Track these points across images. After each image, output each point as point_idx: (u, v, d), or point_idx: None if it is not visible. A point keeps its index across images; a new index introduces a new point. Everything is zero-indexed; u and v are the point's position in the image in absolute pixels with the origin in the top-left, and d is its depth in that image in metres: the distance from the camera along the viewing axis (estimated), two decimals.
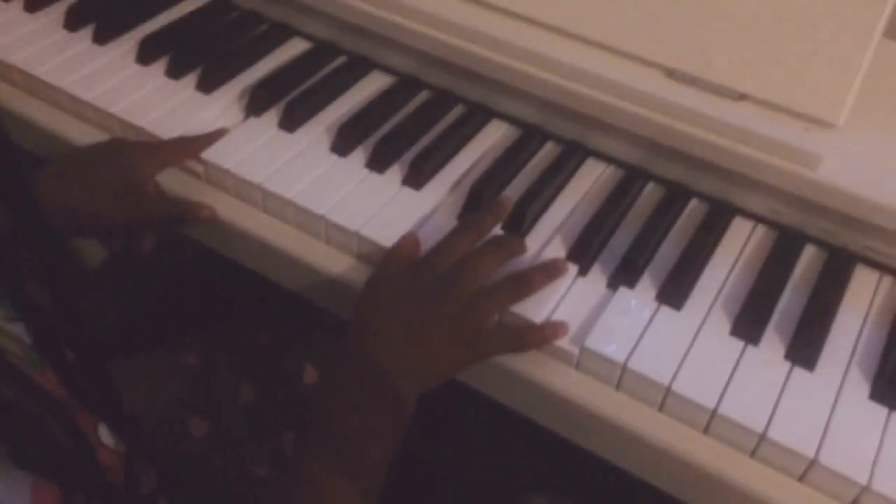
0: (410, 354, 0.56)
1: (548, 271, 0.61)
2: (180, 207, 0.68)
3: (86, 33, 0.82)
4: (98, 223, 0.68)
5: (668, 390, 0.56)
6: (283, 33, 0.84)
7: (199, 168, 0.71)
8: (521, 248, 0.63)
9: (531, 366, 0.59)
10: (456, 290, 0.57)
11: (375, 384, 0.55)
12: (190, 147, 0.70)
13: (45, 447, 0.40)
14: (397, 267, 0.61)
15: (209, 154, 0.70)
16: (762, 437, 0.54)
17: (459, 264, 0.59)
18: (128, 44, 0.82)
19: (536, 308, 0.60)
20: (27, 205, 0.45)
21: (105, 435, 0.52)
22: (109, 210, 0.67)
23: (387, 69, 0.80)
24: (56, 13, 0.84)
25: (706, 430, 0.57)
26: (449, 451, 0.77)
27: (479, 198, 0.68)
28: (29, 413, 0.39)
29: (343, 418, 0.54)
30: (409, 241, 0.63)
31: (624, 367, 0.57)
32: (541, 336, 0.59)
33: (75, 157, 0.71)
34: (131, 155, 0.69)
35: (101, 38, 0.82)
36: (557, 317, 0.60)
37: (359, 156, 0.72)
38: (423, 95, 0.78)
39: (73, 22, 0.83)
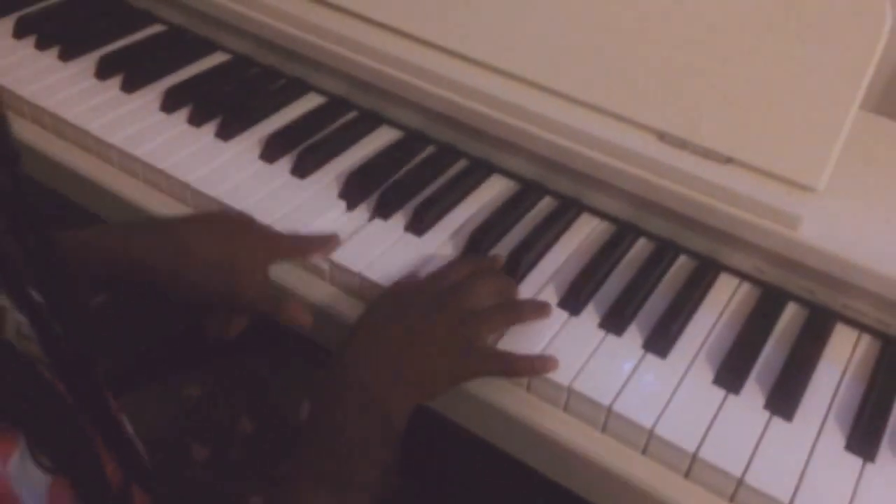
0: (399, 367, 0.57)
1: (537, 309, 0.64)
2: (279, 306, 0.66)
3: (114, 82, 0.88)
4: (192, 294, 0.65)
5: (651, 433, 0.59)
6: (299, 88, 0.89)
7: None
8: (514, 291, 0.66)
9: (519, 405, 0.62)
10: (448, 309, 0.60)
11: (364, 397, 0.56)
12: (308, 248, 0.69)
13: (63, 445, 0.42)
14: (394, 290, 0.64)
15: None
16: (740, 481, 0.56)
17: (453, 286, 0.62)
18: (153, 93, 0.87)
19: (526, 348, 0.63)
20: (39, 241, 0.45)
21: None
22: (209, 285, 0.64)
23: (395, 124, 0.85)
24: (88, 63, 0.90)
25: (687, 474, 0.58)
26: (437, 489, 0.78)
27: (477, 245, 0.71)
28: (49, 411, 0.42)
29: (332, 433, 0.56)
30: (412, 275, 0.66)
31: (609, 410, 0.60)
32: (530, 365, 0.61)
33: (200, 220, 0.70)
34: (253, 240, 0.67)
35: (129, 86, 0.87)
36: None
37: (365, 203, 0.76)
38: (428, 150, 0.82)
39: (103, 72, 0.88)
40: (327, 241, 0.70)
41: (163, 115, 0.84)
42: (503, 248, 0.71)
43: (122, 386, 0.73)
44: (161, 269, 0.64)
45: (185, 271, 0.64)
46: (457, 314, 0.60)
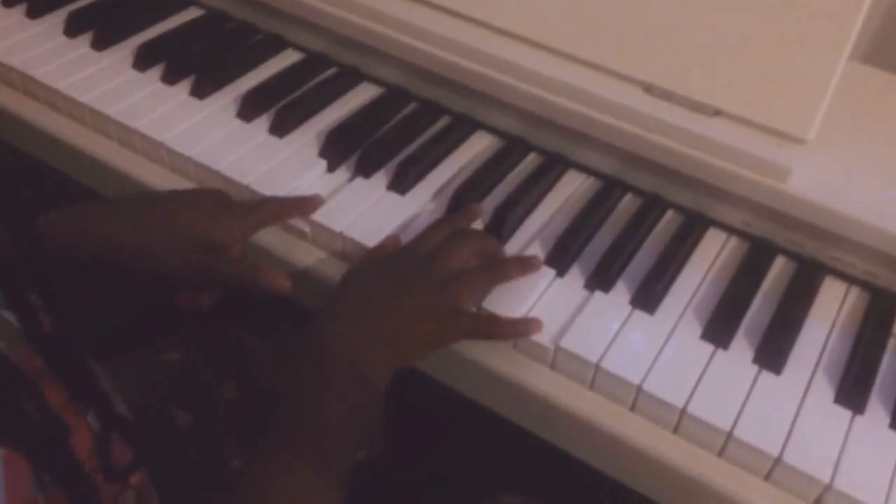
0: (379, 333, 0.57)
1: (523, 264, 0.63)
2: (257, 276, 0.64)
3: (84, 40, 0.85)
4: (164, 271, 0.64)
5: (639, 390, 0.58)
6: (276, 44, 0.87)
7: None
8: (497, 248, 0.65)
9: (507, 363, 0.61)
10: (429, 272, 0.59)
11: (343, 364, 0.55)
12: (286, 213, 0.68)
13: (16, 420, 0.40)
14: (376, 255, 0.63)
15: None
16: (729, 435, 0.56)
17: (434, 250, 0.61)
18: (125, 50, 0.84)
19: (512, 306, 0.62)
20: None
21: (93, 419, 0.53)
22: (183, 262, 0.63)
23: (376, 80, 0.83)
24: (57, 20, 0.87)
25: (676, 430, 0.58)
26: (424, 451, 0.78)
27: (461, 204, 0.70)
28: (2, 386, 0.40)
29: (310, 399, 0.54)
30: (391, 240, 0.65)
31: (597, 367, 0.59)
32: (512, 328, 0.60)
33: (173, 198, 0.67)
34: (229, 216, 0.65)
35: (100, 44, 0.84)
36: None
37: (346, 162, 0.74)
38: (410, 106, 0.80)
39: (72, 29, 0.85)
40: (307, 203, 0.68)
41: (135, 73, 0.82)
42: (488, 206, 0.70)
43: (102, 352, 0.72)
44: (136, 250, 0.62)
45: (161, 252, 0.62)
46: (436, 278, 0.59)
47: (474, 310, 0.62)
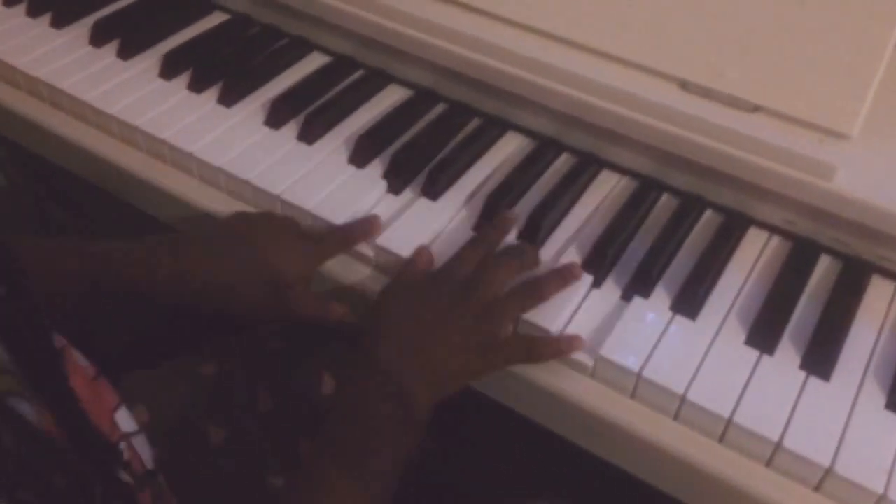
0: (423, 359, 0.56)
1: (562, 277, 0.62)
2: (326, 311, 0.63)
3: (110, 49, 0.84)
4: (235, 308, 0.63)
5: (682, 399, 0.57)
6: (302, 48, 0.86)
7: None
8: (535, 259, 0.64)
9: (546, 374, 0.60)
10: (469, 300, 0.58)
11: (388, 388, 0.55)
12: (353, 239, 0.67)
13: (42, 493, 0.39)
14: (412, 277, 0.62)
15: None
16: (778, 446, 0.54)
17: (473, 274, 0.60)
18: (151, 59, 0.83)
19: (551, 317, 0.60)
20: None
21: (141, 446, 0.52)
22: (254, 299, 0.62)
23: (404, 82, 0.82)
24: (82, 30, 0.87)
25: (721, 439, 0.57)
26: (455, 456, 0.77)
27: (494, 209, 0.68)
28: (26, 457, 0.38)
29: (355, 422, 0.55)
30: (423, 254, 0.64)
31: (639, 376, 0.58)
32: (555, 348, 0.59)
33: (250, 234, 0.65)
34: (301, 252, 0.64)
35: (126, 53, 0.83)
36: (573, 327, 0.61)
37: (376, 167, 0.73)
38: (439, 108, 0.79)
39: (98, 38, 0.85)
40: (370, 226, 0.67)
41: (162, 82, 0.81)
42: (521, 209, 0.68)
43: (135, 363, 0.72)
44: (213, 288, 0.62)
45: (238, 290, 0.61)
46: (475, 309, 0.58)
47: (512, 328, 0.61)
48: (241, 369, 0.74)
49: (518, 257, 0.62)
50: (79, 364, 0.52)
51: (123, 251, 0.63)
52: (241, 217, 0.68)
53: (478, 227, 0.68)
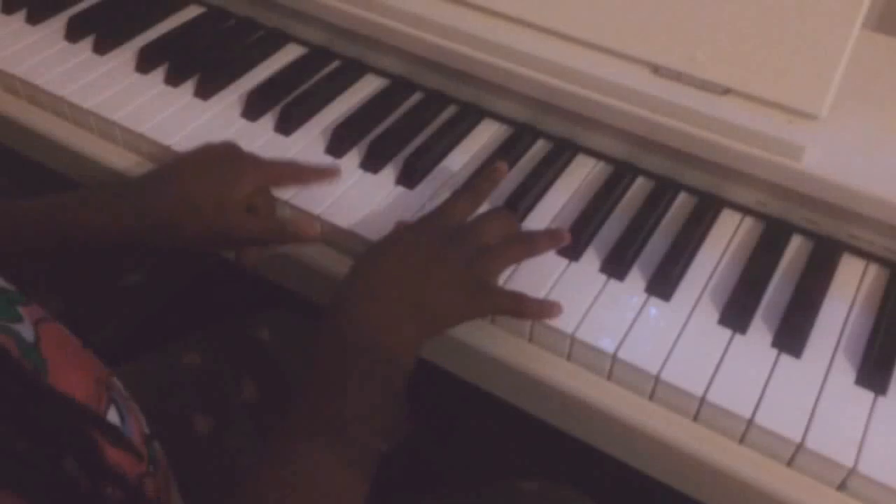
0: (408, 297, 0.55)
1: (552, 237, 0.62)
2: (283, 227, 0.64)
3: (86, 44, 0.84)
4: (188, 243, 0.64)
5: (657, 379, 0.58)
6: (278, 40, 0.86)
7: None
8: (516, 226, 0.64)
9: (522, 355, 0.61)
10: (460, 245, 0.58)
11: (372, 333, 0.54)
12: (298, 175, 0.68)
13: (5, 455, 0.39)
14: (398, 230, 0.62)
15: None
16: (750, 422, 0.55)
17: (464, 223, 0.60)
18: (127, 53, 0.83)
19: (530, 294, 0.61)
20: None
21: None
22: (205, 230, 0.62)
23: (380, 72, 0.82)
24: (58, 25, 0.86)
25: (696, 418, 0.58)
26: (444, 440, 0.78)
27: None
28: None
29: (335, 374, 0.53)
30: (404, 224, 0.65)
31: (614, 358, 0.59)
32: (538, 307, 0.59)
33: (180, 169, 0.65)
34: (239, 170, 0.64)
35: (102, 48, 0.83)
36: None
37: (353, 157, 0.73)
38: (415, 97, 0.80)
39: (73, 34, 0.85)
40: (324, 172, 0.68)
41: (139, 76, 0.81)
42: (499, 195, 0.69)
43: (121, 355, 0.72)
44: (157, 229, 0.62)
45: (181, 226, 0.62)
46: (469, 250, 0.58)
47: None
48: (226, 359, 0.75)
49: (507, 217, 0.63)
50: (61, 334, 0.52)
51: (83, 198, 0.63)
52: (185, 154, 0.68)
53: None
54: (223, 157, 0.66)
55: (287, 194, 0.69)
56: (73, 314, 0.66)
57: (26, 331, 0.48)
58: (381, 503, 0.55)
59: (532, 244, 0.61)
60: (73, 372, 0.49)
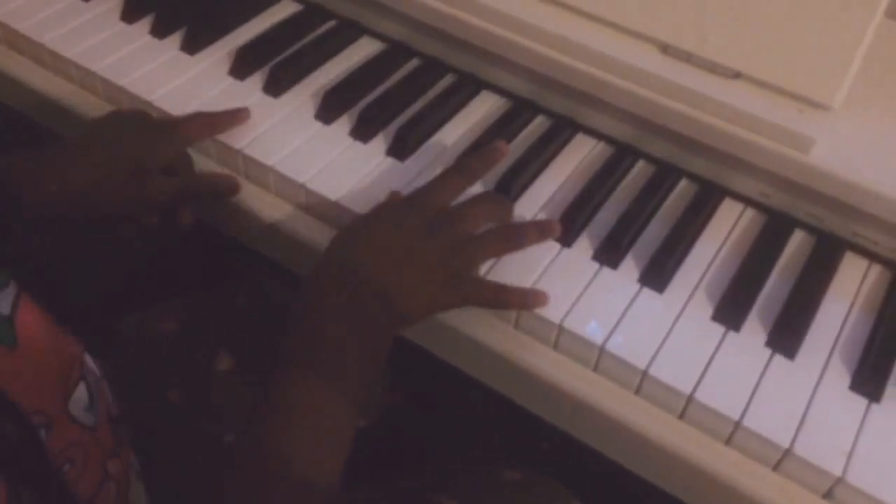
0: (391, 282, 0.53)
1: (541, 230, 0.59)
2: (200, 180, 0.64)
3: None
4: (109, 210, 0.62)
5: (644, 374, 0.56)
6: None
7: None
8: (509, 207, 0.61)
9: (508, 343, 0.59)
10: (444, 232, 0.55)
11: (348, 311, 0.52)
12: (212, 127, 0.67)
13: None
14: (379, 208, 0.59)
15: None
16: (737, 424, 0.53)
17: (450, 209, 0.57)
18: (112, 1, 0.80)
19: (518, 281, 0.59)
20: None
21: (78, 409, 0.51)
22: (127, 198, 0.62)
23: (377, 35, 0.79)
24: None
25: (682, 416, 0.56)
26: (428, 427, 0.76)
27: None
28: None
29: (312, 343, 0.51)
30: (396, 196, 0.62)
31: (602, 349, 0.57)
32: (521, 298, 0.57)
33: (91, 138, 0.65)
34: (153, 137, 0.64)
35: None
36: None
37: (343, 124, 0.70)
38: (412, 63, 0.76)
39: None
40: (235, 116, 0.67)
41: (124, 26, 0.78)
42: (492, 171, 0.66)
43: (98, 320, 0.70)
44: (75, 200, 0.61)
45: (100, 194, 0.61)
46: (451, 240, 0.56)
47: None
48: (203, 327, 0.72)
49: (497, 203, 0.60)
50: (36, 311, 0.50)
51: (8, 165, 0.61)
52: (97, 120, 0.67)
53: None
54: (134, 126, 0.65)
55: (271, 160, 0.66)
56: (50, 280, 0.64)
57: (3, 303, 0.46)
58: (360, 481, 0.53)
59: (519, 237, 0.58)
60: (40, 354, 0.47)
